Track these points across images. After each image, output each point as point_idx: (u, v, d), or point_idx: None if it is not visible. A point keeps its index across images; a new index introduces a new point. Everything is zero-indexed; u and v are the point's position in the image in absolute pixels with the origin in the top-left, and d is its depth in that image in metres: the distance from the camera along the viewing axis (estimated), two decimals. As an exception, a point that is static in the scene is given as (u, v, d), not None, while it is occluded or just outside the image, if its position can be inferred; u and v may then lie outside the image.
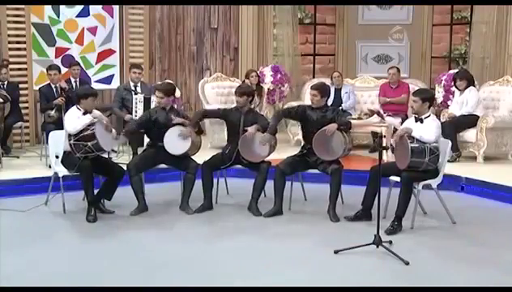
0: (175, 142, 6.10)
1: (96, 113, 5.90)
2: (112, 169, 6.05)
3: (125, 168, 6.14)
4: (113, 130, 6.02)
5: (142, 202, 6.09)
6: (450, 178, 6.78)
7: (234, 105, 6.53)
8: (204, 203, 6.17)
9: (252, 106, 6.63)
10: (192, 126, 6.20)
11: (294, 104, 9.05)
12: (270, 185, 6.17)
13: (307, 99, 8.34)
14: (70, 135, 5.77)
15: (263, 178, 6.11)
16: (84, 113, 5.84)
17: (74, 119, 5.80)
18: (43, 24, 8.99)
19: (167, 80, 8.78)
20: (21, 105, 8.52)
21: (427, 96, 5.76)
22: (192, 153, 6.25)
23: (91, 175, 5.85)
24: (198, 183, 6.19)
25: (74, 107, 5.96)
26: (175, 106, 7.40)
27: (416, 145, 5.43)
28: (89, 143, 5.68)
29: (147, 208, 6.10)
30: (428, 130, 5.55)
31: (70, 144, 5.75)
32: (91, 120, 5.77)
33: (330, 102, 9.09)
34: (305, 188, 6.55)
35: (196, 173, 6.17)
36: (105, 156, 6.17)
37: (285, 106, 9.10)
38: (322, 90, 6.12)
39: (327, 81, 9.37)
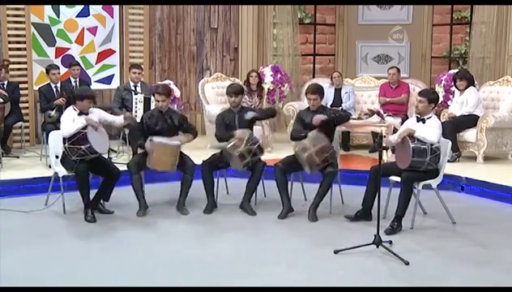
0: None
1: (91, 119, 5.84)
2: (109, 169, 6.04)
3: (125, 168, 6.14)
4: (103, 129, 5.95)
5: (143, 200, 6.09)
6: (450, 178, 6.79)
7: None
8: (208, 204, 6.16)
9: (252, 107, 6.61)
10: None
11: (295, 104, 9.10)
12: (269, 185, 6.17)
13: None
14: (64, 139, 5.76)
15: (257, 177, 6.11)
16: (80, 114, 5.84)
17: (69, 122, 5.79)
18: (43, 24, 8.99)
19: (164, 81, 8.75)
20: (21, 105, 8.50)
21: (433, 98, 5.73)
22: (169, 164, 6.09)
23: (87, 179, 5.84)
24: (198, 183, 6.18)
25: (71, 107, 5.96)
26: (175, 107, 7.41)
27: (418, 145, 5.43)
28: (83, 147, 5.66)
29: (147, 206, 6.10)
30: (430, 131, 5.54)
31: (65, 148, 5.75)
32: (84, 123, 5.74)
33: (330, 102, 9.14)
34: (305, 188, 6.55)
35: (193, 174, 6.16)
36: (105, 156, 6.16)
37: (285, 112, 9.13)
38: (320, 92, 6.20)
39: (327, 81, 9.41)
